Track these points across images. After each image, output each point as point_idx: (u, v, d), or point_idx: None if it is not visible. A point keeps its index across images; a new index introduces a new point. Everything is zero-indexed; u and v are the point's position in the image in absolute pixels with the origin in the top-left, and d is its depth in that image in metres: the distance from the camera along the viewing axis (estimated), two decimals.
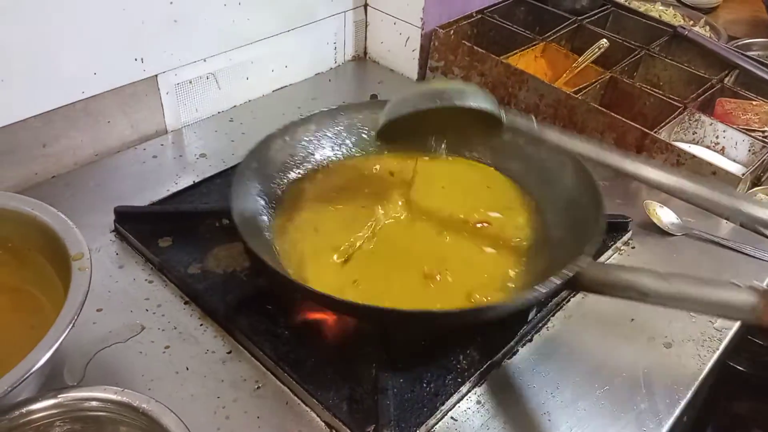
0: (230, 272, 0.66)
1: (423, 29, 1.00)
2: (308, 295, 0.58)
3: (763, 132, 0.89)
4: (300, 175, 0.73)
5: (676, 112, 0.87)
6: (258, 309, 0.62)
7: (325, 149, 0.76)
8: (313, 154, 0.75)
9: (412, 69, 1.05)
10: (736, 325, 0.67)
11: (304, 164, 0.74)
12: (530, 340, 0.64)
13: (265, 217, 0.66)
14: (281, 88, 1.00)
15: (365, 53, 1.10)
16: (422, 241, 0.67)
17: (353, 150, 0.77)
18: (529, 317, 0.63)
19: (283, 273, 0.58)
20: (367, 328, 0.60)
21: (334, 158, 0.76)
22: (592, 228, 0.61)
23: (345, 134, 0.77)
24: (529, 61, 0.99)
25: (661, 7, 1.24)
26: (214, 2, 0.85)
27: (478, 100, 0.61)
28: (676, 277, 0.53)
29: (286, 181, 0.72)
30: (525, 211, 0.71)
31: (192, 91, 0.89)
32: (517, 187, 0.74)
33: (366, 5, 1.05)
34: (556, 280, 0.54)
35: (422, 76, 1.04)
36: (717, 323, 0.67)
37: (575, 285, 0.56)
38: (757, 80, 0.98)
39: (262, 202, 0.67)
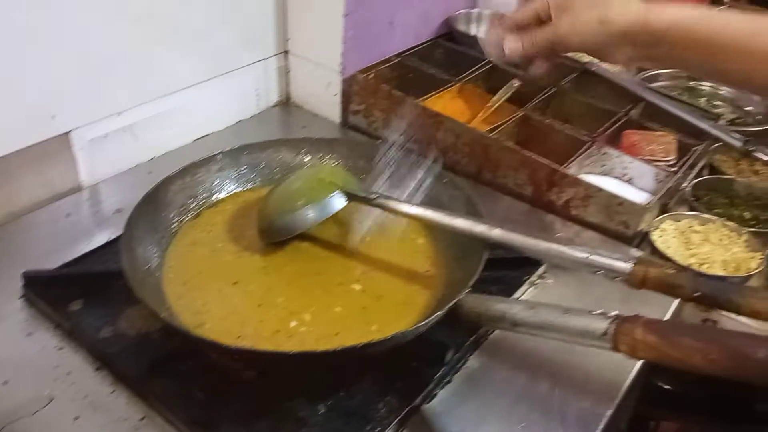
0: (143, 333, 0.64)
1: (343, 74, 1.02)
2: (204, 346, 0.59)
3: (668, 161, 0.94)
4: (196, 216, 0.77)
5: (584, 147, 0.91)
6: (171, 370, 0.61)
7: (225, 189, 0.80)
8: (213, 195, 0.79)
9: (335, 113, 1.06)
10: None
11: (202, 205, 0.78)
12: (449, 382, 0.64)
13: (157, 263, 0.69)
14: (203, 137, 1.00)
15: (288, 98, 1.11)
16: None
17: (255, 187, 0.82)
18: (446, 359, 0.64)
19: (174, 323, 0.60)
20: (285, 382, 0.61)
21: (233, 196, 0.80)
22: (474, 261, 0.64)
23: (248, 173, 0.82)
24: (446, 101, 1.02)
25: None
26: (131, 53, 0.85)
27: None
28: (543, 306, 0.56)
29: (180, 223, 0.75)
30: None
31: (108, 144, 0.88)
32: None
33: (287, 51, 1.07)
34: (439, 313, 0.57)
35: (345, 120, 1.06)
36: None
37: (457, 317, 0.58)
38: (660, 112, 1.04)
39: (156, 248, 0.70)
